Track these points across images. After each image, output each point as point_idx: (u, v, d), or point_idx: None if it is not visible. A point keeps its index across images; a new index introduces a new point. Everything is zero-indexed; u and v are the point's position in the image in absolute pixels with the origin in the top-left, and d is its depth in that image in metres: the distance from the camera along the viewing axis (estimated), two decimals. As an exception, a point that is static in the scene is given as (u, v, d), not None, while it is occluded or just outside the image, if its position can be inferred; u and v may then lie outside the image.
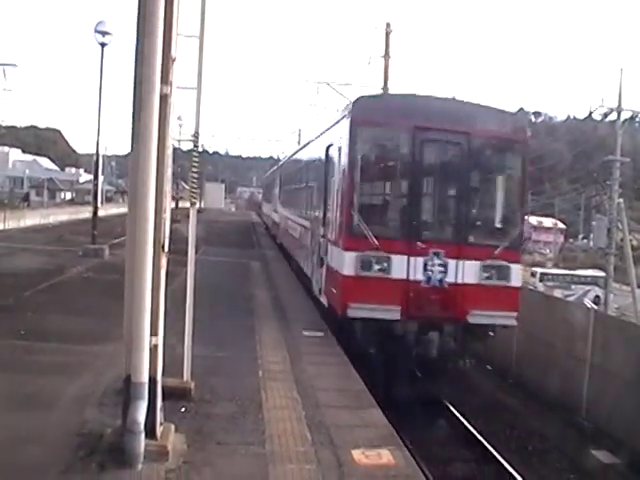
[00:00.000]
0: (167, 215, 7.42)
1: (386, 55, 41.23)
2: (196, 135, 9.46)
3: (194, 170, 9.44)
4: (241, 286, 20.35)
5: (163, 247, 7.21)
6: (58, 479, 6.39)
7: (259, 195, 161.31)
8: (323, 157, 16.62)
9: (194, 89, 9.29)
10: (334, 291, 14.03)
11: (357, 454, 7.43)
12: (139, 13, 7.05)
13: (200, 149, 9.70)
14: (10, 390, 8.87)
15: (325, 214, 15.81)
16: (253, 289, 19.93)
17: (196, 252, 9.94)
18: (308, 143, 22.91)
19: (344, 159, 13.75)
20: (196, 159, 9.50)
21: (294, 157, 29.55)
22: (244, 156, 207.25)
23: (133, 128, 7.10)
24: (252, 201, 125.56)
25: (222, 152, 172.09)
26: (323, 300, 15.28)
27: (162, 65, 6.98)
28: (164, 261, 7.29)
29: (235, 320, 14.64)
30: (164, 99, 7.13)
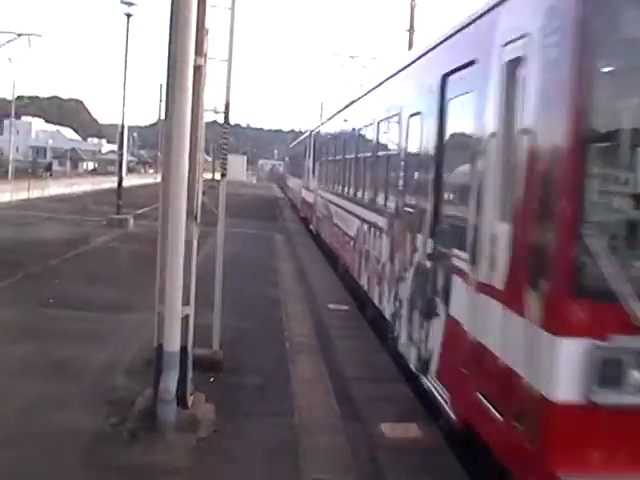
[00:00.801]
0: (199, 186, 7.44)
1: (411, 29, 40.91)
2: (227, 107, 9.45)
3: (225, 142, 9.43)
4: (265, 258, 20.42)
5: (195, 217, 7.23)
6: (91, 446, 6.45)
7: (280, 167, 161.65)
8: (437, 97, 8.26)
9: (225, 61, 9.32)
10: (497, 417, 5.72)
11: (385, 427, 7.44)
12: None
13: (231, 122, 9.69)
14: (40, 357, 8.98)
15: (468, 217, 6.90)
16: (277, 261, 20.00)
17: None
18: (384, 81, 12.81)
19: (547, 86, 5.36)
20: (226, 131, 9.50)
21: (344, 113, 19.23)
22: (265, 128, 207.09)
23: (167, 99, 7.10)
24: (273, 173, 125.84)
25: (243, 124, 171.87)
26: (439, 394, 7.52)
27: (196, 36, 6.98)
28: (196, 231, 7.31)
29: (260, 292, 14.70)
30: (198, 70, 7.14)
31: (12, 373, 8.27)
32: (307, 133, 35.60)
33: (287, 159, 63.68)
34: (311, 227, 28.52)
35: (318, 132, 28.42)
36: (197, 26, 6.99)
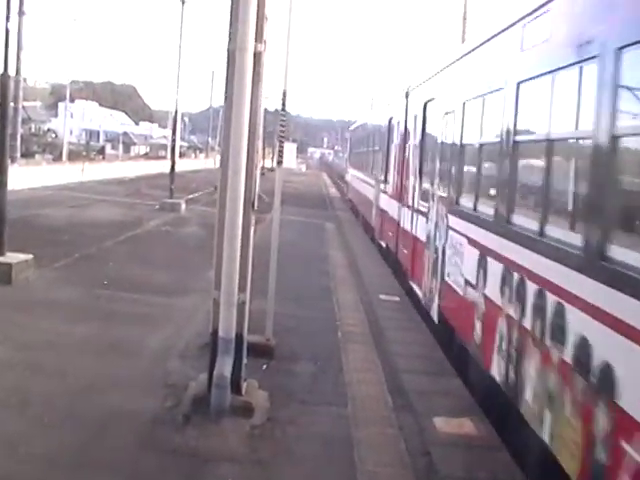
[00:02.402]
0: (257, 173, 7.44)
1: (464, 18, 40.54)
2: (284, 95, 9.44)
3: (282, 130, 9.42)
4: (316, 246, 20.42)
5: (253, 205, 7.22)
6: (146, 428, 6.51)
7: (329, 156, 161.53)
8: None
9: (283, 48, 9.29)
10: None
11: (439, 422, 7.37)
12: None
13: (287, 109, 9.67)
14: (96, 338, 9.12)
15: None
16: (328, 250, 19.98)
17: (269, 211, 9.95)
18: None
19: None
20: (284, 119, 9.49)
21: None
22: (315, 117, 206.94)
23: (226, 85, 7.12)
24: (323, 162, 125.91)
25: (294, 113, 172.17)
26: None
27: (256, 23, 6.96)
28: (253, 219, 7.31)
29: (312, 280, 14.70)
30: (258, 57, 7.12)
31: (70, 353, 8.42)
32: (398, 102, 18.35)
33: (349, 146, 44.78)
34: (412, 283, 13.74)
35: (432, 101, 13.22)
36: (258, 12, 6.97)
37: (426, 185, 12.81)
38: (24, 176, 30.34)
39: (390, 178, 18.69)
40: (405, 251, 14.86)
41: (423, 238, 12.47)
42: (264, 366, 8.52)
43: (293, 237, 20.12)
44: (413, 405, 7.84)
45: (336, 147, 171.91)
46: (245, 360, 7.23)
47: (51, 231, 17.71)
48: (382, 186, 20.24)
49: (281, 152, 9.54)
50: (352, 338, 10.42)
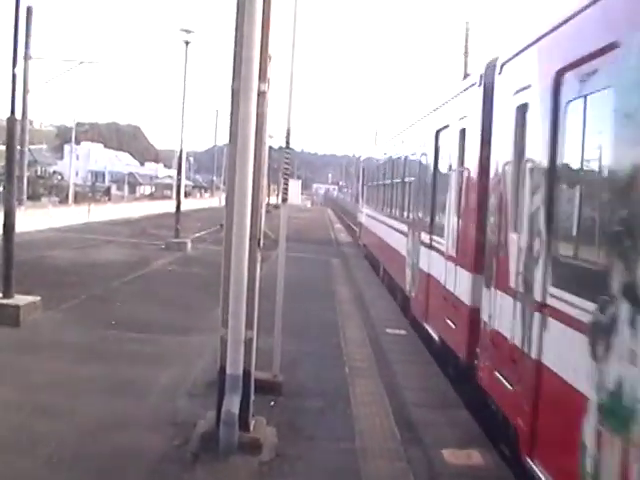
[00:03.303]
0: (263, 210, 7.54)
1: (465, 53, 40.99)
2: (288, 133, 9.58)
3: (286, 168, 9.54)
4: (322, 282, 20.45)
5: (259, 242, 7.31)
6: (155, 467, 6.54)
7: (334, 192, 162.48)
8: None
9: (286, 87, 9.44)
10: None
11: (447, 454, 7.38)
12: (238, 12, 7.16)
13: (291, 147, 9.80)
14: (104, 378, 9.14)
15: None
16: (334, 285, 20.01)
17: (275, 248, 10.06)
18: None
19: None
20: (288, 157, 9.62)
21: None
22: (320, 153, 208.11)
23: (231, 124, 7.25)
24: (327, 197, 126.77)
25: (298, 149, 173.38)
26: None
27: (260, 63, 7.10)
28: (259, 256, 7.39)
29: (318, 316, 14.73)
30: (262, 96, 7.24)
31: (78, 393, 8.44)
32: (464, 98, 10.99)
33: (361, 178, 35.94)
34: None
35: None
36: (261, 52, 7.12)
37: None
38: (31, 218, 30.56)
39: (447, 226, 11.35)
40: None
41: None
42: (272, 402, 8.54)
43: (299, 273, 20.14)
44: (421, 437, 7.86)
45: (340, 183, 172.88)
46: (253, 397, 7.27)
47: (58, 272, 17.80)
48: (426, 238, 12.93)
49: (286, 190, 9.66)
50: (359, 373, 10.43)
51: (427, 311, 12.71)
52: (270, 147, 10.58)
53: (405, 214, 16.81)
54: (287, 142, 9.46)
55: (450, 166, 11.36)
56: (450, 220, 11.07)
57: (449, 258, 10.86)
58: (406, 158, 17.32)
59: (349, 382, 9.86)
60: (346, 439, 7.63)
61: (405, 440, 7.73)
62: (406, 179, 17.13)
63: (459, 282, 10.15)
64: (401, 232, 16.95)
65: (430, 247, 12.56)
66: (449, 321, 10.64)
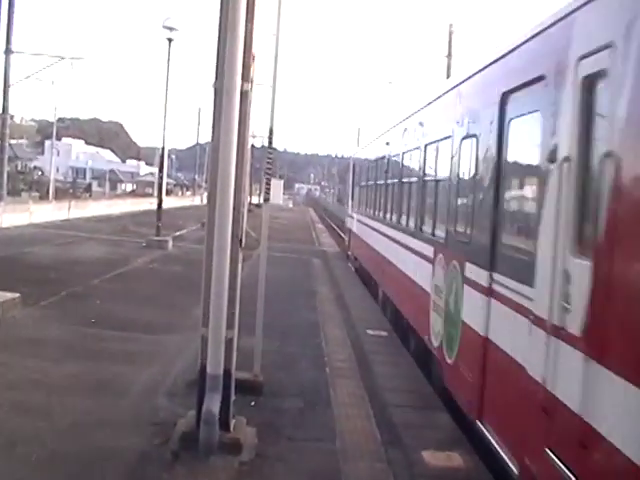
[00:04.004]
0: (245, 210, 7.51)
1: (449, 55, 41.12)
2: (271, 132, 9.57)
3: (269, 167, 9.52)
4: (303, 282, 20.44)
5: (240, 241, 7.29)
6: (135, 466, 6.50)
7: (316, 192, 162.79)
8: None
9: (270, 86, 9.44)
10: None
11: (427, 455, 7.39)
12: (221, 11, 7.14)
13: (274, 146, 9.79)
14: (83, 376, 9.10)
15: None
16: (315, 285, 20.00)
17: (257, 247, 10.06)
18: None
19: None
20: (271, 157, 9.60)
21: None
22: (302, 153, 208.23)
23: (213, 123, 7.22)
24: (309, 197, 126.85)
25: (280, 148, 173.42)
26: None
27: (243, 62, 7.07)
28: (240, 255, 7.36)
29: (300, 316, 14.72)
30: (245, 95, 7.21)
31: (57, 392, 8.37)
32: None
33: (351, 178, 28.64)
34: None
35: None
36: (244, 52, 7.08)
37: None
38: (11, 214, 30.33)
39: (547, 265, 5.76)
40: None
41: None
42: (252, 402, 8.52)
43: (281, 273, 20.13)
44: (402, 439, 7.86)
45: (322, 183, 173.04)
46: (233, 397, 7.24)
47: (38, 269, 17.67)
48: (480, 275, 7.89)
49: (268, 189, 9.64)
50: (340, 373, 10.42)
51: (484, 401, 7.47)
52: (253, 146, 10.57)
53: (429, 228, 11.50)
54: (270, 141, 9.45)
55: (553, 150, 5.82)
56: (559, 253, 5.51)
57: (558, 333, 5.40)
58: (428, 148, 11.94)
59: (330, 382, 9.87)
60: (327, 440, 7.62)
61: (385, 441, 7.73)
62: (430, 176, 11.75)
63: (599, 394, 4.71)
64: (422, 256, 11.53)
65: (491, 294, 7.38)
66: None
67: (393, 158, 16.70)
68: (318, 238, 41.24)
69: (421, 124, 12.90)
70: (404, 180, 14.67)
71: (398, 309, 14.26)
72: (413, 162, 13.69)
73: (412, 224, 13.17)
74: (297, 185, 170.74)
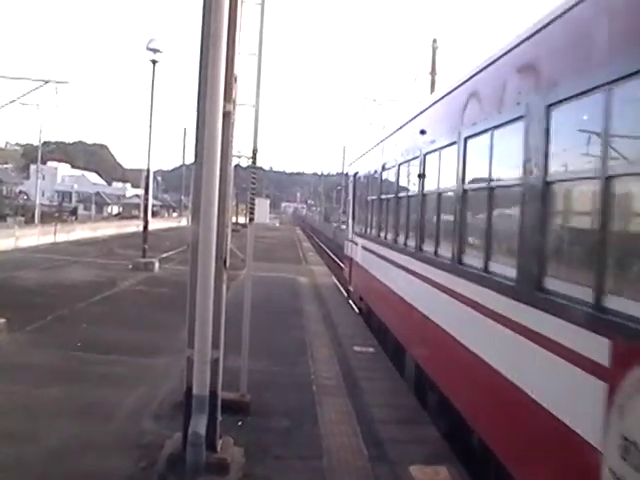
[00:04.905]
0: (229, 230, 7.55)
1: (432, 71, 41.34)
2: (254, 152, 9.60)
3: (253, 187, 9.55)
4: (290, 301, 20.44)
5: (225, 262, 7.32)
6: (122, 489, 6.49)
7: (303, 210, 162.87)
8: None
9: (252, 106, 9.47)
10: None
11: (414, 470, 7.41)
12: (203, 33, 7.20)
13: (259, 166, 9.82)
14: (70, 400, 9.07)
15: None
16: (302, 304, 20.00)
17: (243, 267, 10.10)
18: None
19: None
20: (255, 177, 9.63)
21: None
22: (288, 171, 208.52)
23: (196, 144, 7.26)
24: (296, 216, 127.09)
25: (266, 167, 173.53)
26: None
27: (225, 83, 7.12)
28: (225, 276, 7.39)
29: (286, 334, 14.72)
30: (227, 116, 7.26)
31: (43, 417, 8.35)
32: None
33: (351, 191, 21.74)
34: None
35: None
36: (226, 72, 7.14)
37: None
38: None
39: None
40: None
41: None
42: (239, 422, 8.52)
43: (267, 292, 20.14)
44: (389, 454, 7.88)
45: (309, 201, 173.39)
46: (220, 417, 7.25)
47: (24, 293, 17.62)
48: None
49: (252, 209, 9.66)
50: (327, 391, 10.44)
51: None
52: (237, 165, 10.60)
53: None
54: (254, 161, 9.47)
55: None
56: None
57: None
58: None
59: (317, 400, 9.88)
60: (314, 458, 7.64)
61: (373, 457, 7.75)
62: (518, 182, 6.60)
63: None
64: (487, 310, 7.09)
65: None
66: None
67: (413, 162, 11.88)
68: (305, 257, 41.23)
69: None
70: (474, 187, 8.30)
71: (445, 394, 8.80)
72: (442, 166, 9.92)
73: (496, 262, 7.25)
74: (284, 204, 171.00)
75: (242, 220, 47.94)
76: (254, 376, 9.65)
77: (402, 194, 13.17)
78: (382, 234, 15.32)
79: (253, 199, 9.61)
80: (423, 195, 11.10)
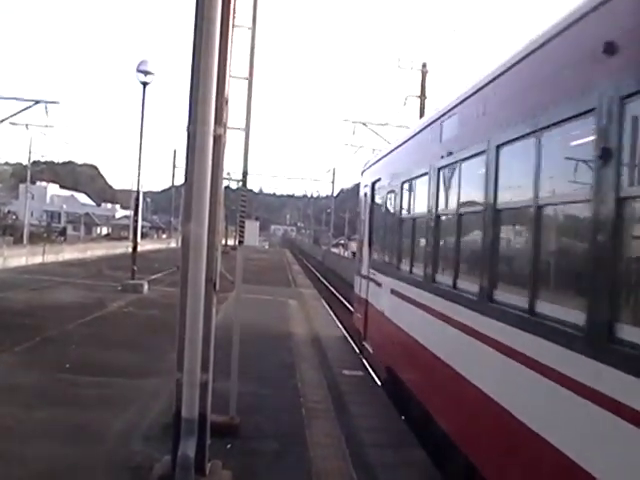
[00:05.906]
0: (218, 253, 7.57)
1: (422, 95, 41.56)
2: (244, 175, 9.64)
3: (242, 210, 9.59)
4: (279, 324, 20.41)
5: (214, 285, 7.33)
6: (110, 512, 6.46)
7: (292, 233, 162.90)
8: None
9: (242, 130, 9.52)
10: None
11: (403, 494, 7.41)
12: (194, 56, 7.26)
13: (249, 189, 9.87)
14: (58, 423, 9.02)
15: None
16: (290, 327, 19.98)
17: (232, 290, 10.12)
18: None
19: None
20: (244, 200, 9.68)
21: None
22: (277, 194, 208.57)
23: (187, 167, 7.30)
24: (285, 238, 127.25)
25: (256, 190, 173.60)
26: None
27: (216, 106, 7.17)
28: (215, 299, 7.40)
29: (275, 358, 14.71)
30: (218, 139, 7.30)
31: (30, 439, 8.30)
32: None
33: (366, 209, 16.47)
34: None
35: None
36: (217, 96, 7.18)
37: None
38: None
39: None
40: None
41: None
42: (228, 445, 8.50)
43: (256, 315, 20.09)
44: (378, 478, 7.87)
45: (299, 224, 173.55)
46: (209, 440, 7.22)
47: (12, 315, 17.52)
48: None
49: (242, 232, 9.68)
50: (316, 414, 10.42)
51: None
52: (228, 187, 10.64)
53: None
54: (244, 183, 9.52)
55: None
56: None
57: None
58: None
59: (306, 424, 9.86)
60: (303, 482, 7.62)
61: (362, 482, 7.74)
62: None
63: None
64: None
65: None
66: None
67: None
68: (295, 280, 41.21)
69: None
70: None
71: None
72: None
73: None
74: (273, 226, 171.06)
75: (231, 242, 47.96)
76: (243, 399, 9.62)
77: (476, 209, 7.88)
78: (435, 274, 9.53)
79: (243, 221, 9.64)
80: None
